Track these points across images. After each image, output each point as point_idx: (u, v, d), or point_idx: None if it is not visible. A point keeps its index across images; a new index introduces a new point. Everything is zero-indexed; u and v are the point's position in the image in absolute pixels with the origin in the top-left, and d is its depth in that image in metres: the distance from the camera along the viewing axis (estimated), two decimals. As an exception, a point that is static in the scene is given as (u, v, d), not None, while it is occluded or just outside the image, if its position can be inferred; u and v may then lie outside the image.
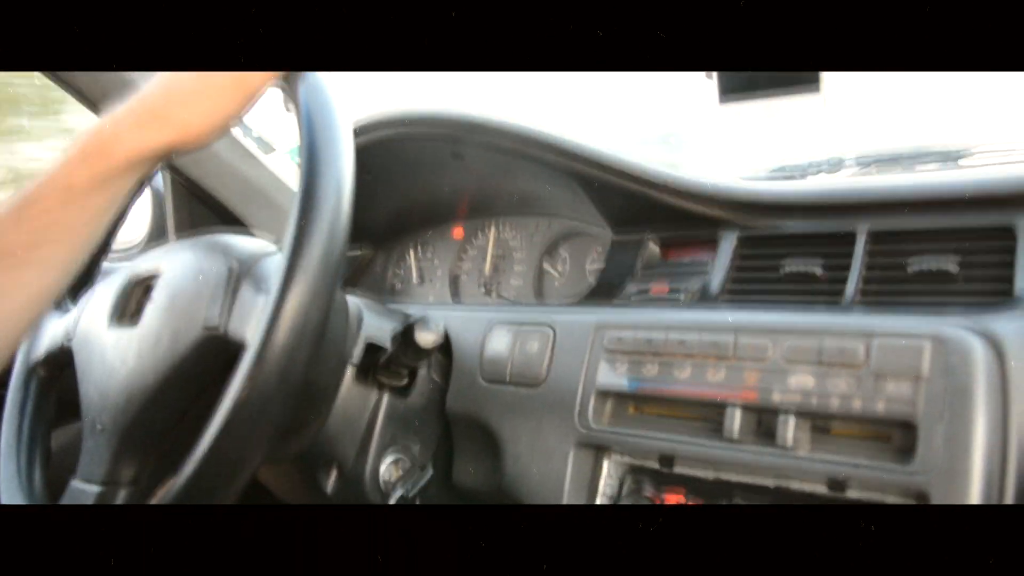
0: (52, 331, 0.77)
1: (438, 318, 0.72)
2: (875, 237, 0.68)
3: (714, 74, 0.70)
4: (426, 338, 0.69)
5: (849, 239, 0.69)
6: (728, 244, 0.76)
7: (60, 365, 0.76)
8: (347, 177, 0.56)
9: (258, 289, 0.61)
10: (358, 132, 0.95)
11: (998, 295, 0.60)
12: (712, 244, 0.78)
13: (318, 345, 0.53)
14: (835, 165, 1.03)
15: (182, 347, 0.62)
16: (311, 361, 0.53)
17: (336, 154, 0.56)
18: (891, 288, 0.65)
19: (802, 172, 1.05)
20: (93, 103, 1.04)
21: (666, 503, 0.65)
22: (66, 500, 0.66)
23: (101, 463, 0.65)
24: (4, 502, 0.71)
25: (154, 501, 0.55)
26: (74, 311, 0.75)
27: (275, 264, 0.53)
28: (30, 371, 0.79)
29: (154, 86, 0.57)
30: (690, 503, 0.64)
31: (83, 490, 0.65)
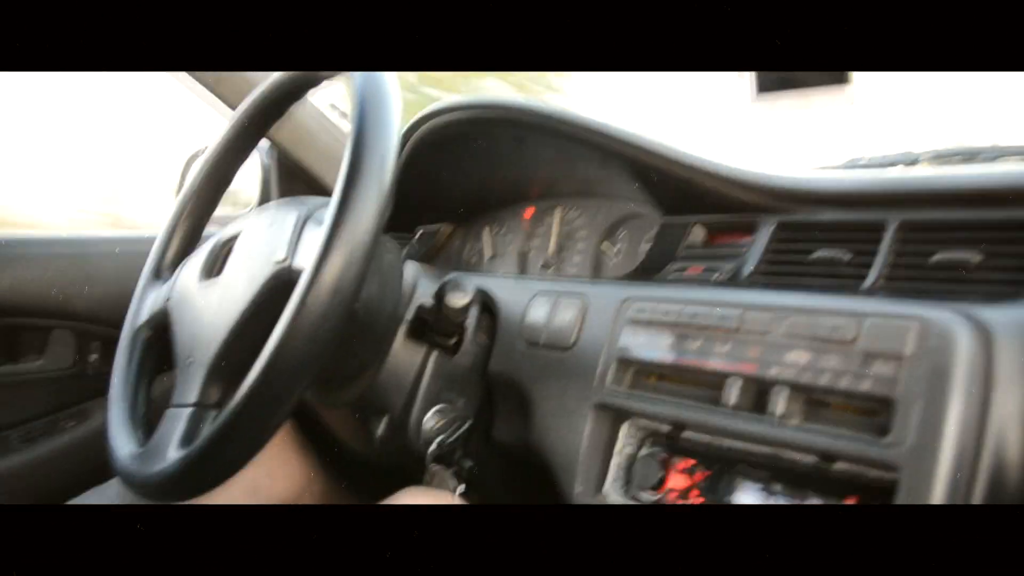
0: (153, 297, 0.88)
1: (469, 282, 0.78)
2: (904, 228, 0.69)
3: (747, 72, 0.73)
4: (454, 299, 0.76)
5: (879, 228, 0.71)
6: (766, 230, 0.79)
7: (162, 325, 0.85)
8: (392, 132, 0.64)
9: (319, 226, 0.70)
10: (428, 116, 1.03)
11: (1018, 285, 0.61)
12: (753, 230, 0.81)
13: (364, 272, 0.60)
14: (911, 158, 1.04)
15: (257, 284, 0.71)
16: (358, 286, 0.60)
17: (384, 118, 0.64)
18: (913, 274, 0.67)
19: (879, 164, 1.05)
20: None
21: (676, 468, 0.70)
22: (162, 425, 0.76)
23: (192, 389, 0.74)
24: (112, 438, 0.82)
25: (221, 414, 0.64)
26: (171, 279, 0.86)
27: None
28: (136, 332, 0.90)
29: None
30: (696, 472, 0.68)
31: (176, 413, 0.75)
